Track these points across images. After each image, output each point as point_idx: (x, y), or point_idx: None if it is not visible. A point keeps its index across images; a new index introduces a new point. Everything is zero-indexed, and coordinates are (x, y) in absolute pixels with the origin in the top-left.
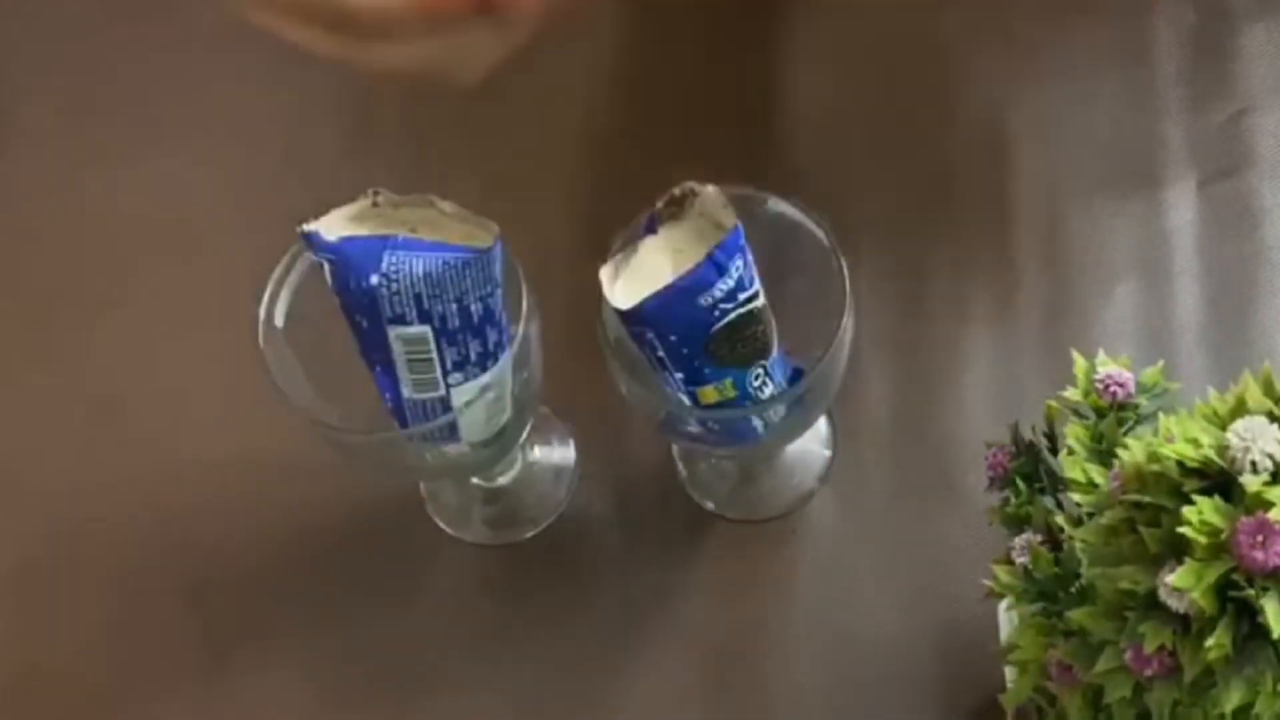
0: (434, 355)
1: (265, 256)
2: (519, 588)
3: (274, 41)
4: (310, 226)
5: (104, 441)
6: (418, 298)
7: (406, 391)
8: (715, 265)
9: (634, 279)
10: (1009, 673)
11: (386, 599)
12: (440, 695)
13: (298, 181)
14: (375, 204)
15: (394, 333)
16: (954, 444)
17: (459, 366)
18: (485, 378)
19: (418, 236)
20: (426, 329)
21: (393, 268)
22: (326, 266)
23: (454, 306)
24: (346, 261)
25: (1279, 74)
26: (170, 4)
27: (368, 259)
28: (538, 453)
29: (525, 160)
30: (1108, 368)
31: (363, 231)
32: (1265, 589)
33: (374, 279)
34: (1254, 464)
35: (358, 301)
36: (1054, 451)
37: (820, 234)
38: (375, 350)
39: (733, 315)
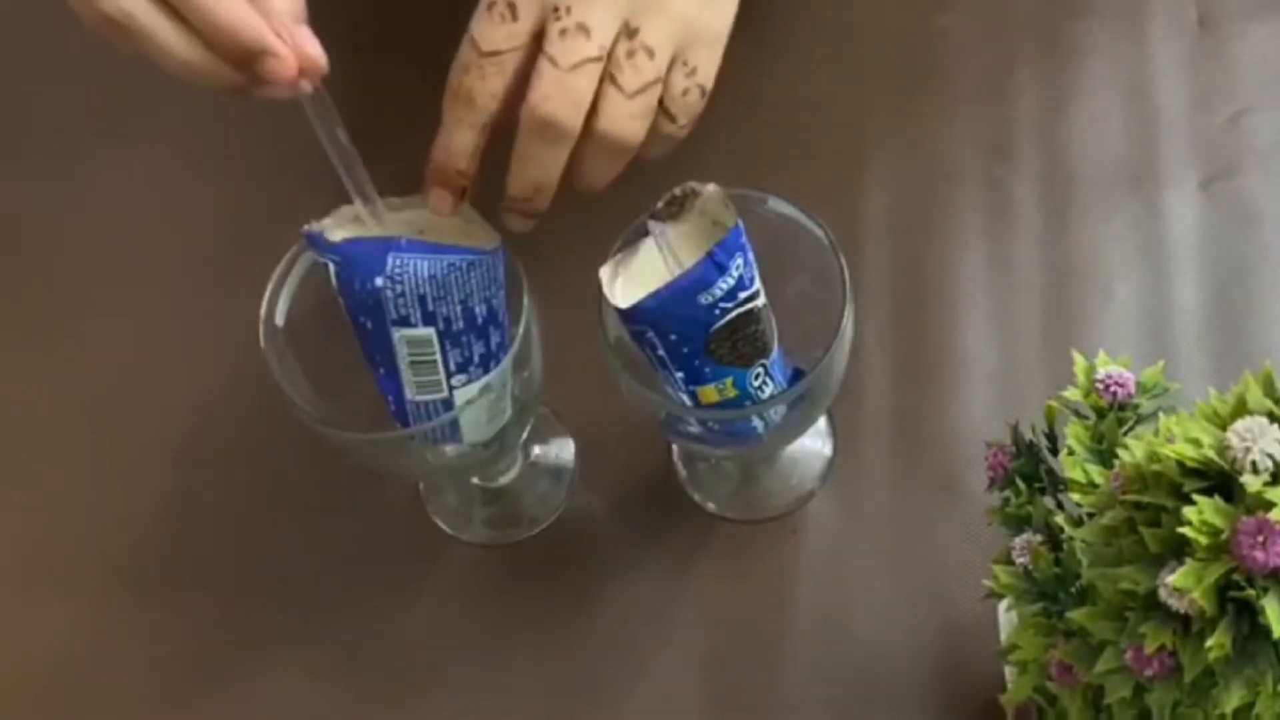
0: (438, 357)
1: (266, 257)
2: (519, 588)
3: None
4: (314, 227)
5: (105, 442)
6: (422, 299)
7: (409, 393)
8: (715, 264)
9: (634, 279)
10: (1009, 673)
11: (387, 599)
12: (440, 695)
13: (299, 181)
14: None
15: (398, 334)
16: (954, 444)
17: (462, 368)
18: (487, 378)
19: (422, 238)
20: (431, 331)
21: (398, 270)
22: (331, 268)
23: (458, 308)
24: (351, 263)
25: (1279, 74)
26: None
27: (373, 261)
28: (538, 452)
29: None
30: (1108, 368)
31: (367, 233)
32: (1265, 589)
33: (379, 281)
34: (1254, 464)
35: (362, 303)
36: (1054, 451)
37: (820, 234)
38: (379, 352)
39: (733, 314)
